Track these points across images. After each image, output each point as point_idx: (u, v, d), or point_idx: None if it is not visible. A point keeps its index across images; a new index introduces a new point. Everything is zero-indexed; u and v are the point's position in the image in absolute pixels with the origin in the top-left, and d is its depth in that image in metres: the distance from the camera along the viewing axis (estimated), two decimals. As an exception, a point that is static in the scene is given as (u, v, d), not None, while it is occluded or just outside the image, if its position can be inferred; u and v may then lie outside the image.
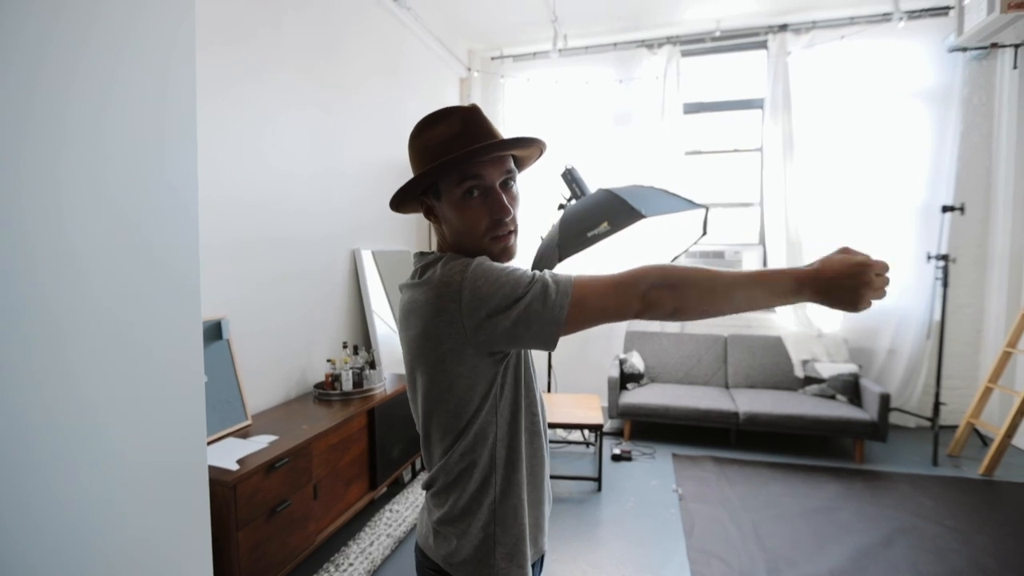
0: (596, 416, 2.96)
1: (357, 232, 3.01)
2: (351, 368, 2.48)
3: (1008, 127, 3.49)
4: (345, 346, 2.63)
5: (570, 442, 3.54)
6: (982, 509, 2.67)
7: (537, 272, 0.74)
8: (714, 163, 4.27)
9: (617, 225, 1.92)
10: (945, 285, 3.28)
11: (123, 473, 1.08)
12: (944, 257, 3.28)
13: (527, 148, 0.81)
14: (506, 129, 4.48)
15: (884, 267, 0.72)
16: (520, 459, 0.82)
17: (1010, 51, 3.40)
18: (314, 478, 1.99)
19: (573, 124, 4.33)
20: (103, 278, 1.02)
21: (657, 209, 1.99)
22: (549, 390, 3.97)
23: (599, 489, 2.88)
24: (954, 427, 3.45)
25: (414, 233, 3.75)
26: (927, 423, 3.41)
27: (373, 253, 3.13)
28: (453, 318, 0.72)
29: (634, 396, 3.63)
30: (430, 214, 0.84)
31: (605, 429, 3.66)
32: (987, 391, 3.33)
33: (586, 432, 3.53)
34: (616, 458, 3.33)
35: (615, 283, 0.71)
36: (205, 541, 1.29)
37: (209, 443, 1.83)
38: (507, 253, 0.81)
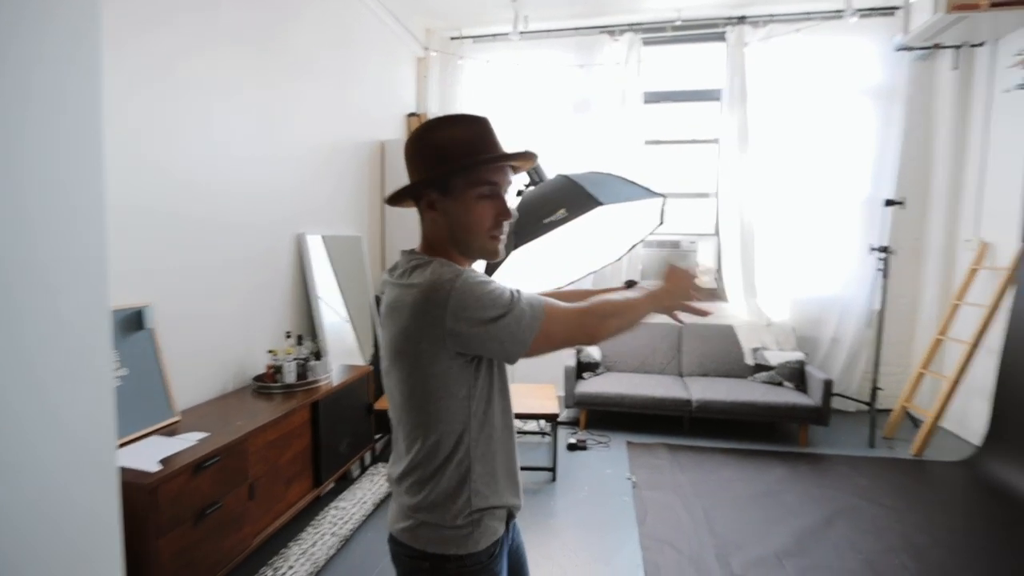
0: (552, 406, 2.93)
1: (304, 216, 2.84)
2: (294, 359, 2.34)
3: (946, 126, 3.66)
4: (288, 336, 2.48)
5: (525, 432, 3.51)
6: (914, 488, 2.82)
7: (515, 292, 0.82)
8: (673, 153, 4.29)
9: (574, 212, 1.86)
10: (885, 276, 3.42)
11: (17, 478, 0.94)
12: (885, 249, 3.41)
13: (528, 161, 0.94)
14: (464, 111, 4.35)
15: (691, 276, 0.98)
16: (494, 452, 0.89)
17: (951, 52, 3.55)
18: (250, 477, 1.86)
19: (533, 109, 4.25)
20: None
21: (614, 197, 1.94)
22: (506, 379, 3.92)
23: (554, 479, 2.87)
24: (889, 411, 3.64)
25: (365, 218, 3.59)
26: (865, 407, 3.58)
27: (323, 238, 2.96)
28: (435, 320, 0.78)
29: (590, 385, 3.63)
30: (431, 207, 0.88)
31: (561, 419, 3.65)
32: (919, 376, 3.52)
33: (541, 422, 3.51)
34: (571, 447, 3.32)
35: (577, 315, 0.85)
36: (114, 550, 1.16)
37: (127, 443, 1.67)
38: (498, 251, 0.90)
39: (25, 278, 0.95)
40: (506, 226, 0.89)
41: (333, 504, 2.31)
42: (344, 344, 3.01)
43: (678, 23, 3.91)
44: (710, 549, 2.25)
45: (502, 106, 4.26)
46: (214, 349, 2.22)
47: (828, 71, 3.80)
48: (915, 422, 3.55)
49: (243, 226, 2.36)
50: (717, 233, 4.17)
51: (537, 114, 4.24)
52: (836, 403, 3.77)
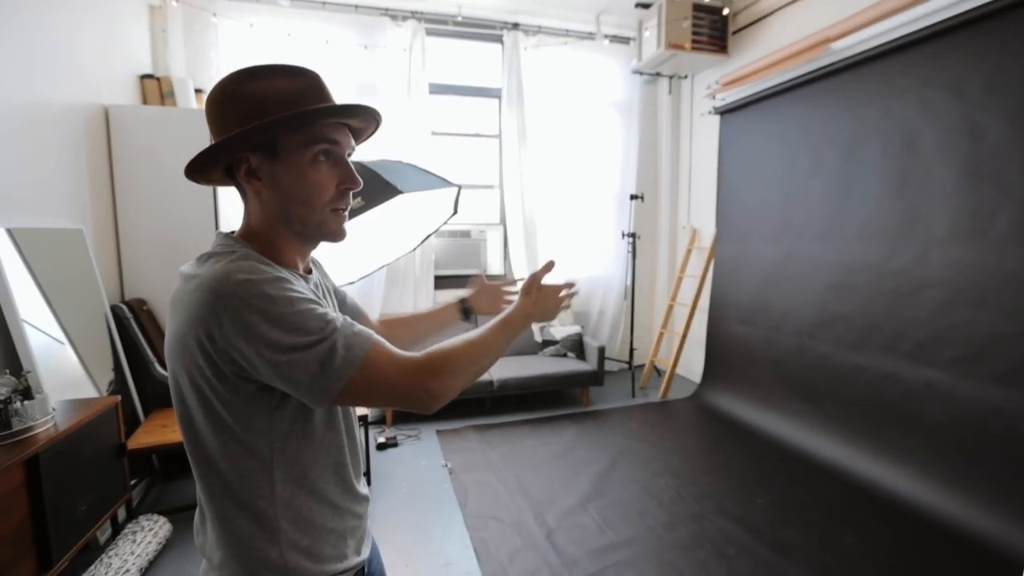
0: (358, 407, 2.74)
1: (-21, 199, 2.00)
2: (-16, 402, 1.64)
3: (666, 138, 4.65)
4: (-32, 371, 1.73)
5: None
6: (665, 423, 3.54)
7: (334, 320, 0.65)
8: (459, 145, 4.42)
9: (373, 201, 1.73)
10: (634, 257, 4.19)
11: None
12: (633, 235, 4.17)
13: (369, 123, 0.77)
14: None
15: (558, 289, 0.93)
16: (318, 496, 0.73)
17: (667, 80, 4.51)
18: (-84, 587, 1.23)
19: (312, 87, 3.84)
20: None
21: (413, 185, 1.88)
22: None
23: (368, 484, 2.70)
24: (643, 366, 4.49)
25: (88, 205, 2.73)
26: (626, 365, 4.34)
27: (11, 232, 2.13)
28: (209, 333, 0.60)
29: (397, 380, 3.52)
30: (251, 176, 0.69)
31: (368, 420, 3.46)
32: (660, 335, 4.43)
33: (349, 426, 3.26)
34: (382, 447, 3.18)
35: (416, 368, 0.67)
36: None
37: None
38: (341, 231, 0.75)
39: None
40: (351, 197, 0.74)
41: (73, 587, 1.71)
42: (66, 374, 2.25)
43: (459, 19, 4.01)
44: (528, 512, 2.42)
45: (273, 79, 3.72)
46: None
47: (587, 83, 4.43)
48: (660, 372, 4.46)
49: None
50: (503, 222, 4.48)
51: (317, 93, 3.85)
52: (607, 365, 4.48)
